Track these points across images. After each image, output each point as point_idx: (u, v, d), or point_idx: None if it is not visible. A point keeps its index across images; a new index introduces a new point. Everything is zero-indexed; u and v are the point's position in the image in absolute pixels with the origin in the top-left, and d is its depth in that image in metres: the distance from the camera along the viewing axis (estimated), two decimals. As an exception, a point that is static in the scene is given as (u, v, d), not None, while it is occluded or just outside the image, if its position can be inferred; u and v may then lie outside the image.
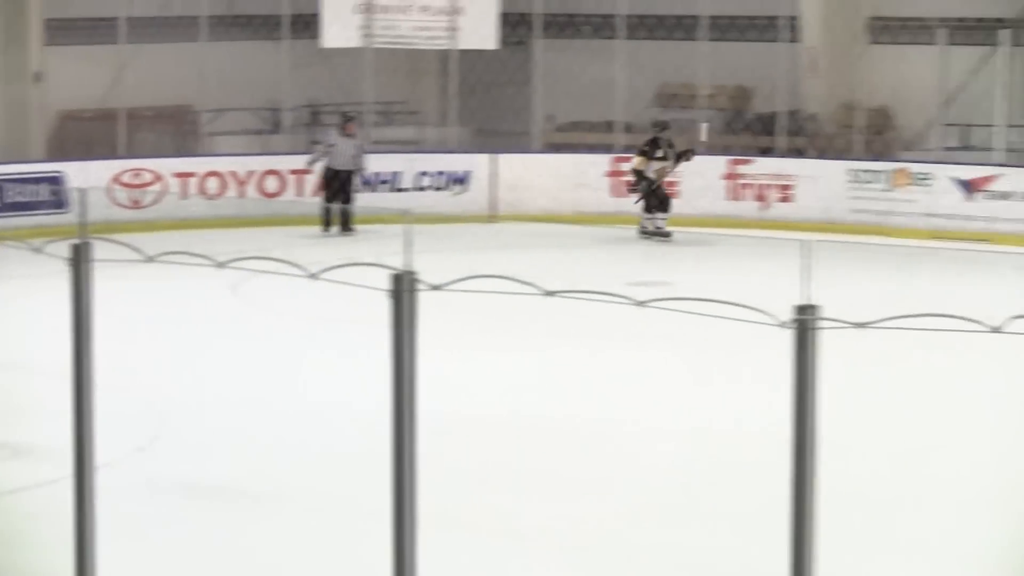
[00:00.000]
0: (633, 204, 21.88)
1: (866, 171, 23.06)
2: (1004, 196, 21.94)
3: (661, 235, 21.63)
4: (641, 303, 4.57)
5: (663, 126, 22.40)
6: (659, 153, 21.88)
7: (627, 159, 23.97)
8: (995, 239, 21.39)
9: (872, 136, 24.77)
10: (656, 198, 21.77)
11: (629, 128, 25.49)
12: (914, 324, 4.23)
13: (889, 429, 10.09)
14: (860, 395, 10.65)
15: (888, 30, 25.48)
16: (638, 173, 21.86)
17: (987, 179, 22.11)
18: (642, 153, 21.96)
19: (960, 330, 4.44)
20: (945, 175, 22.46)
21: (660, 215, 21.77)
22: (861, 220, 22.67)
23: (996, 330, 4.22)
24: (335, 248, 18.68)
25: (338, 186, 21.58)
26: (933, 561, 7.18)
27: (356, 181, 21.79)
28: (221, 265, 5.27)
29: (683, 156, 22.05)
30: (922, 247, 20.53)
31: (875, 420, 10.27)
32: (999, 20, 24.49)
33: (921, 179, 22.40)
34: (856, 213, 22.79)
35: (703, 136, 22.70)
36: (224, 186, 22.58)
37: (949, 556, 7.25)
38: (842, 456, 8.13)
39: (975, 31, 24.81)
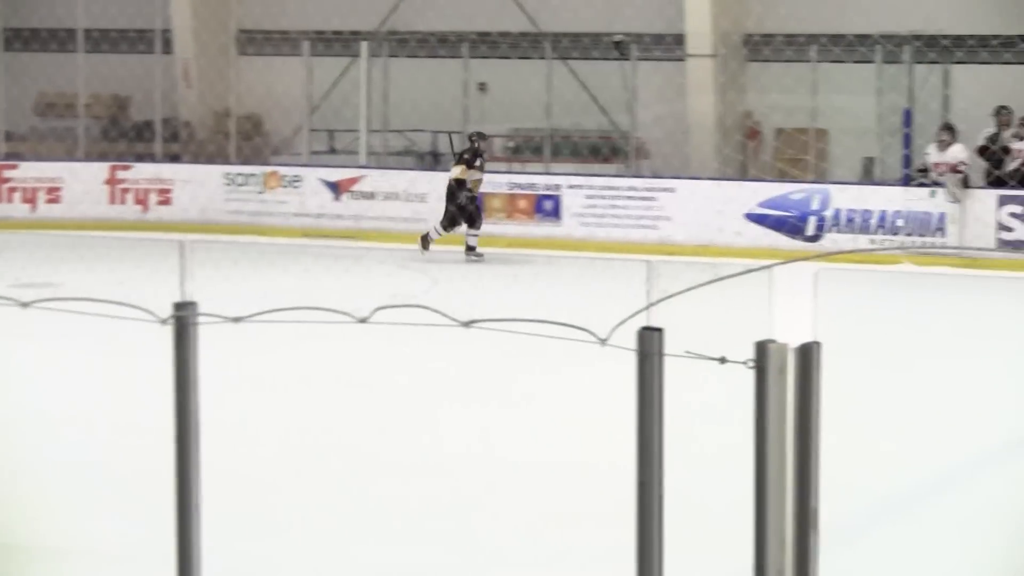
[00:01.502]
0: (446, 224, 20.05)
1: (240, 175, 23.14)
2: (368, 196, 22.49)
3: (474, 254, 19.90)
4: (26, 304, 4.40)
5: (482, 136, 20.54)
6: (478, 163, 20.16)
7: (12, 166, 23.21)
8: (361, 236, 21.91)
9: (244, 142, 24.92)
10: (468, 212, 20.01)
11: (9, 136, 24.74)
12: (288, 317, 4.24)
13: (270, 414, 10.14)
14: (241, 386, 10.67)
15: (255, 42, 25.70)
16: (459, 183, 19.99)
17: (352, 180, 22.60)
18: (463, 162, 20.12)
19: (330, 321, 4.49)
20: (314, 177, 22.85)
21: (472, 230, 20.05)
22: (237, 221, 22.75)
23: (363, 320, 4.29)
24: None
25: None
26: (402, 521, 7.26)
27: None
28: None
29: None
30: (294, 245, 20.77)
31: (260, 408, 10.30)
32: (356, 32, 25.09)
33: (291, 182, 22.68)
34: (232, 214, 22.86)
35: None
36: None
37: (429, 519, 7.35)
38: (224, 438, 8.11)
39: (336, 42, 25.34)
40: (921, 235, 19.78)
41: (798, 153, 22.65)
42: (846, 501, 7.28)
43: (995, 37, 21.58)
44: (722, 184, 21.43)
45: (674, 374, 3.98)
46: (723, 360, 3.98)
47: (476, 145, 20.22)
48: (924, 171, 20.17)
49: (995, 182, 19.87)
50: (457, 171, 20.03)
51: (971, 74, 22.16)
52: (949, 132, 20.20)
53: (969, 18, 22.01)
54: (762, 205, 20.75)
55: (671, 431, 3.93)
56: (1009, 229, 19.43)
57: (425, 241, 19.88)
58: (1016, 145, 20.04)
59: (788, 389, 3.81)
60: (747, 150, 23.75)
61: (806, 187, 20.89)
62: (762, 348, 3.79)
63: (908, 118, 21.27)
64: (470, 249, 19.86)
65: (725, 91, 23.23)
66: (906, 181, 20.65)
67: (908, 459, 8.80)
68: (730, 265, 17.28)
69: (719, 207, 20.90)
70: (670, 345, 3.89)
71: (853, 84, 22.26)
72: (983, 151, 20.12)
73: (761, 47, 23.50)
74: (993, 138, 20.21)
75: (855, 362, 11.40)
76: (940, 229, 19.74)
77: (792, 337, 3.85)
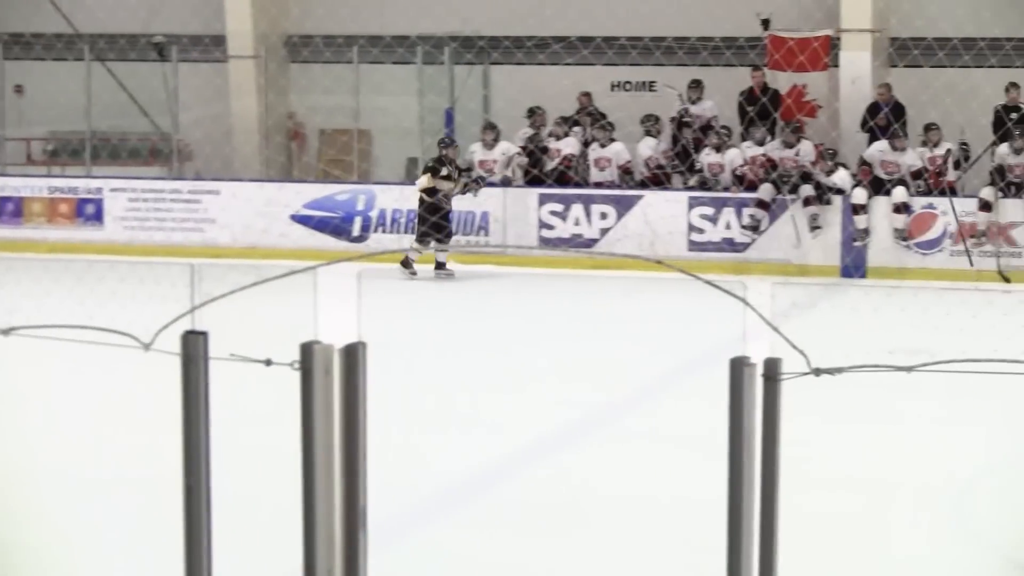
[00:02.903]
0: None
1: None
2: None
3: (444, 271, 18.49)
4: None
5: (449, 143, 19.09)
6: (444, 171, 18.62)
7: None
8: None
9: None
10: (437, 224, 18.51)
11: None
12: None
13: None
14: None
15: None
16: (429, 192, 18.61)
17: None
18: (428, 170, 18.75)
19: None
20: None
21: (439, 246, 18.58)
22: None
23: None
24: None
25: None
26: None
27: None
28: None
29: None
30: None
31: None
32: None
33: None
34: None
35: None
36: None
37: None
38: None
39: None
40: (465, 234, 20.22)
41: (341, 154, 22.82)
42: (394, 499, 7.38)
43: (530, 38, 22.25)
44: (266, 186, 21.39)
45: (220, 377, 3.95)
46: (268, 362, 3.98)
47: (443, 152, 19.08)
48: (467, 171, 20.60)
49: (534, 181, 20.46)
50: (423, 181, 18.82)
51: (508, 75, 22.79)
52: (493, 131, 20.71)
53: (505, 20, 22.62)
54: (307, 206, 20.80)
55: (218, 434, 3.90)
56: (550, 227, 20.07)
57: (406, 263, 18.59)
58: (554, 145, 20.69)
59: (334, 389, 3.85)
60: (291, 151, 23.78)
61: (351, 188, 21.06)
62: (307, 349, 3.82)
63: (449, 118, 21.71)
64: (439, 265, 18.70)
65: (266, 92, 23.19)
66: (449, 181, 21.06)
67: (454, 456, 8.99)
68: (275, 267, 17.25)
69: (263, 209, 20.84)
70: (215, 348, 3.87)
71: (394, 85, 22.56)
72: (522, 151, 20.69)
73: (301, 48, 23.56)
74: (532, 138, 20.80)
75: (401, 360, 11.56)
76: (484, 228, 20.23)
77: (337, 337, 3.88)
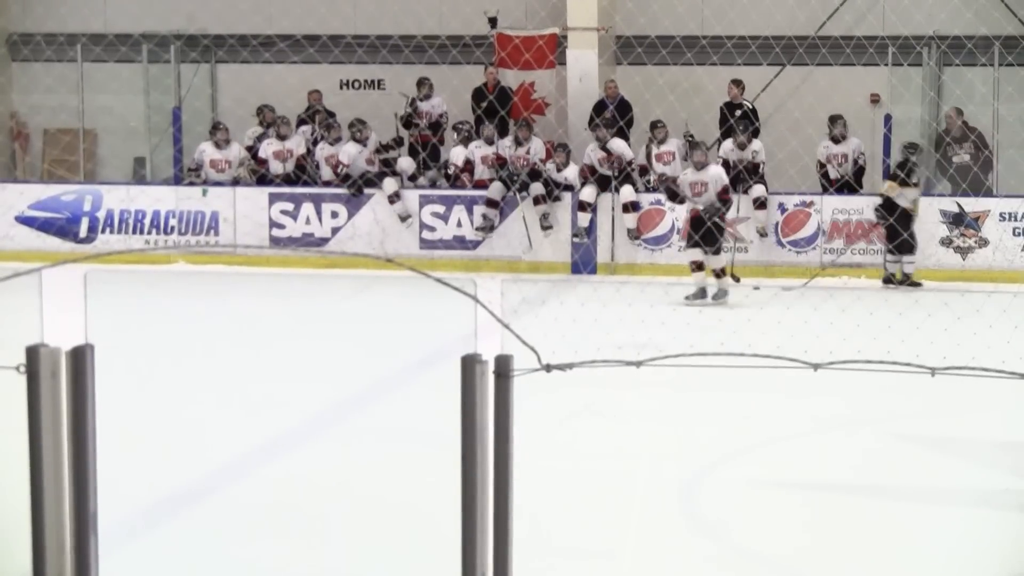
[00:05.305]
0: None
1: None
2: None
3: (911, 284, 17.59)
4: None
5: (914, 148, 17.95)
6: (913, 179, 17.66)
7: None
8: None
9: None
10: (907, 235, 17.57)
11: None
12: None
13: None
14: None
15: None
16: (886, 200, 17.73)
17: None
18: (893, 177, 17.74)
19: None
20: None
21: (907, 257, 17.80)
22: None
23: None
24: None
25: None
26: None
27: None
28: None
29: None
30: None
31: None
32: None
33: None
34: None
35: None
36: None
37: None
38: None
39: None
40: (195, 234, 19.98)
41: (65, 154, 22.35)
42: (125, 502, 7.29)
43: (255, 36, 22.06)
44: (-11, 187, 20.85)
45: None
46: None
47: (912, 159, 17.96)
48: (196, 170, 20.34)
49: (263, 180, 20.29)
50: (886, 187, 17.92)
51: (235, 73, 22.60)
52: (225, 130, 20.44)
53: (231, 18, 22.41)
54: (32, 207, 20.34)
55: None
56: (281, 226, 19.95)
57: (908, 279, 17.82)
58: (288, 145, 20.52)
59: (62, 393, 3.79)
60: (14, 152, 23.21)
61: (77, 188, 20.64)
62: (33, 353, 3.76)
63: (176, 118, 21.42)
64: (895, 281, 17.89)
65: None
66: (177, 180, 20.79)
67: (185, 458, 8.89)
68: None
69: (-13, 210, 20.32)
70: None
71: (119, 84, 22.19)
72: (250, 149, 20.52)
73: (22, 47, 23.01)
74: (260, 137, 20.65)
75: (130, 362, 11.41)
76: (213, 228, 20.01)
77: (64, 340, 3.83)
